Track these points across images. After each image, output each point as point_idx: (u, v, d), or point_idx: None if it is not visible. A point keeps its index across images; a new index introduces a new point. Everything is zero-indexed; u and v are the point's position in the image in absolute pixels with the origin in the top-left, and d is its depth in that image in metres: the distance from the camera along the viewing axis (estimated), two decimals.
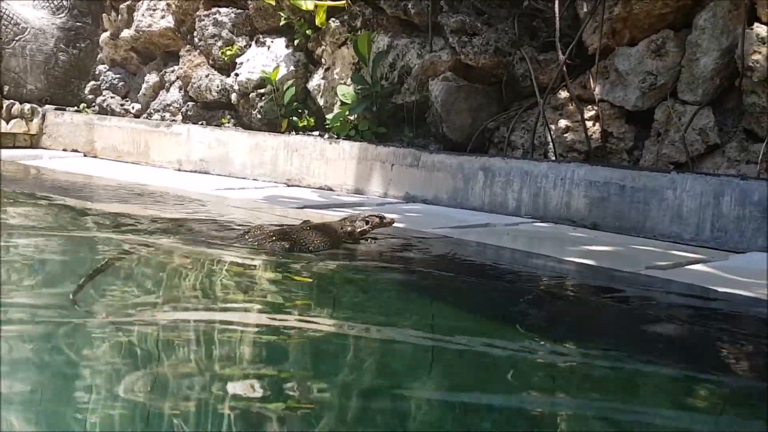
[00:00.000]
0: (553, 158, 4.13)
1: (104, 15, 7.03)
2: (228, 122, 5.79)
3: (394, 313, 1.98)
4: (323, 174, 4.78)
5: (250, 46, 5.82)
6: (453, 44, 4.63)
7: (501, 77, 4.61)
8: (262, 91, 5.49)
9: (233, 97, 5.71)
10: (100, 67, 7.11)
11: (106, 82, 6.99)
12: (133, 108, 6.82)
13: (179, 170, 5.49)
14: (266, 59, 5.55)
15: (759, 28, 3.62)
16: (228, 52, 5.78)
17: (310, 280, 2.29)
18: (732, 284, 2.35)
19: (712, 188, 3.15)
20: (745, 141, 3.75)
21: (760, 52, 3.60)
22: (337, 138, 4.89)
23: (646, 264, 2.64)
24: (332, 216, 3.26)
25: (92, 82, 7.16)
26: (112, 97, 6.92)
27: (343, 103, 5.05)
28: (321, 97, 5.39)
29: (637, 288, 2.36)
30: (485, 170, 4.02)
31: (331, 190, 4.72)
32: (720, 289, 2.26)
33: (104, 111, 6.81)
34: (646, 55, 4.00)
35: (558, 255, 2.78)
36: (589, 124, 4.17)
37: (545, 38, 4.48)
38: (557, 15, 4.19)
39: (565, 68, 4.18)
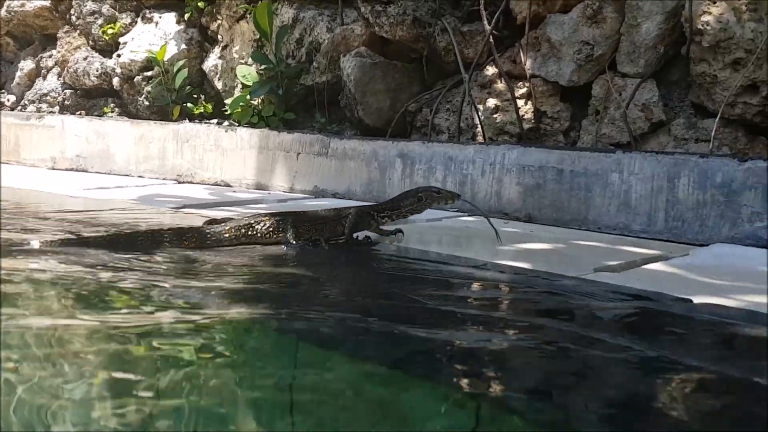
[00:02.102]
0: (482, 141, 3.59)
1: None
2: (111, 111, 5.02)
3: None
4: (219, 167, 4.09)
5: (135, 23, 5.06)
6: (366, 15, 4.04)
7: (421, 52, 4.06)
8: (148, 73, 4.75)
9: (115, 81, 4.95)
10: None
11: None
12: (8, 100, 5.94)
13: (53, 168, 4.70)
14: (154, 37, 4.81)
15: None
16: (110, 31, 5.00)
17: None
18: (708, 290, 1.82)
19: (666, 169, 2.64)
20: (693, 116, 3.30)
21: (710, 13, 3.14)
22: (237, 125, 4.21)
23: (593, 265, 2.11)
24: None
25: None
26: None
27: (244, 86, 4.39)
28: (219, 79, 4.70)
29: (587, 304, 1.79)
30: (403, 157, 3.44)
31: (228, 186, 4.04)
32: (696, 300, 1.72)
33: None
34: (582, 23, 3.51)
35: (486, 258, 2.21)
36: (520, 102, 3.66)
37: (469, 7, 3.97)
38: None
39: (492, 40, 3.66)
